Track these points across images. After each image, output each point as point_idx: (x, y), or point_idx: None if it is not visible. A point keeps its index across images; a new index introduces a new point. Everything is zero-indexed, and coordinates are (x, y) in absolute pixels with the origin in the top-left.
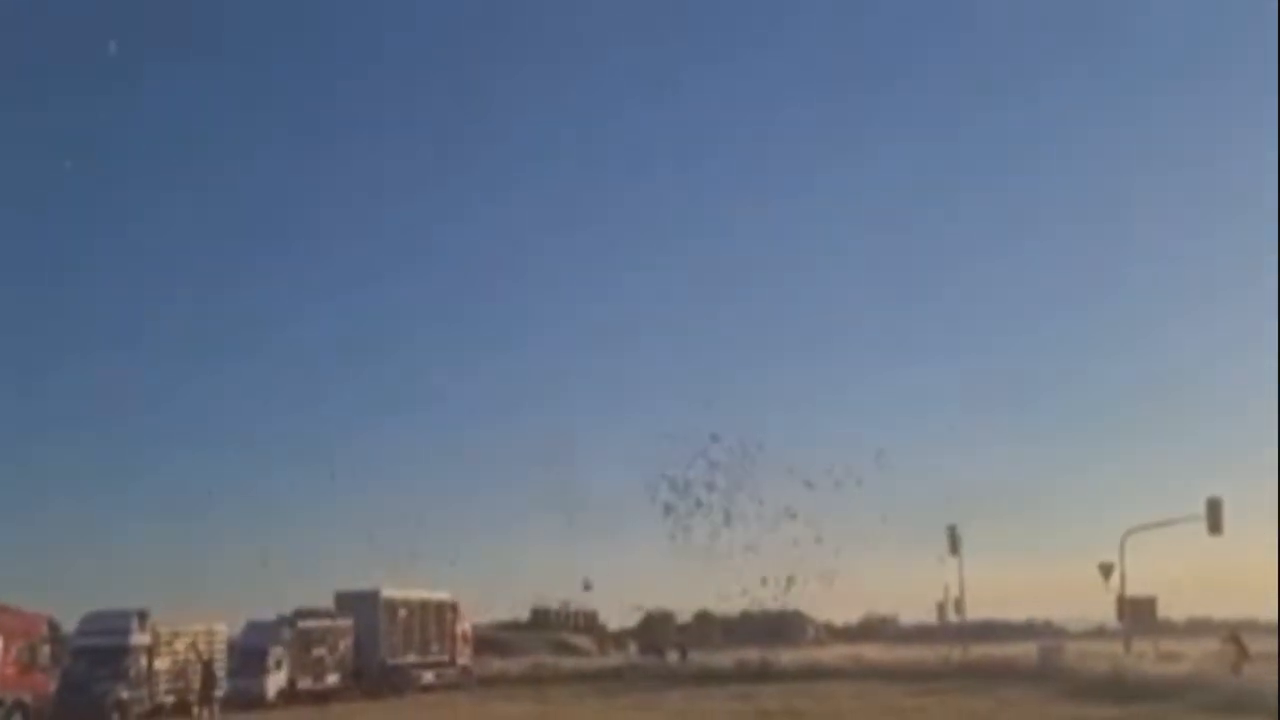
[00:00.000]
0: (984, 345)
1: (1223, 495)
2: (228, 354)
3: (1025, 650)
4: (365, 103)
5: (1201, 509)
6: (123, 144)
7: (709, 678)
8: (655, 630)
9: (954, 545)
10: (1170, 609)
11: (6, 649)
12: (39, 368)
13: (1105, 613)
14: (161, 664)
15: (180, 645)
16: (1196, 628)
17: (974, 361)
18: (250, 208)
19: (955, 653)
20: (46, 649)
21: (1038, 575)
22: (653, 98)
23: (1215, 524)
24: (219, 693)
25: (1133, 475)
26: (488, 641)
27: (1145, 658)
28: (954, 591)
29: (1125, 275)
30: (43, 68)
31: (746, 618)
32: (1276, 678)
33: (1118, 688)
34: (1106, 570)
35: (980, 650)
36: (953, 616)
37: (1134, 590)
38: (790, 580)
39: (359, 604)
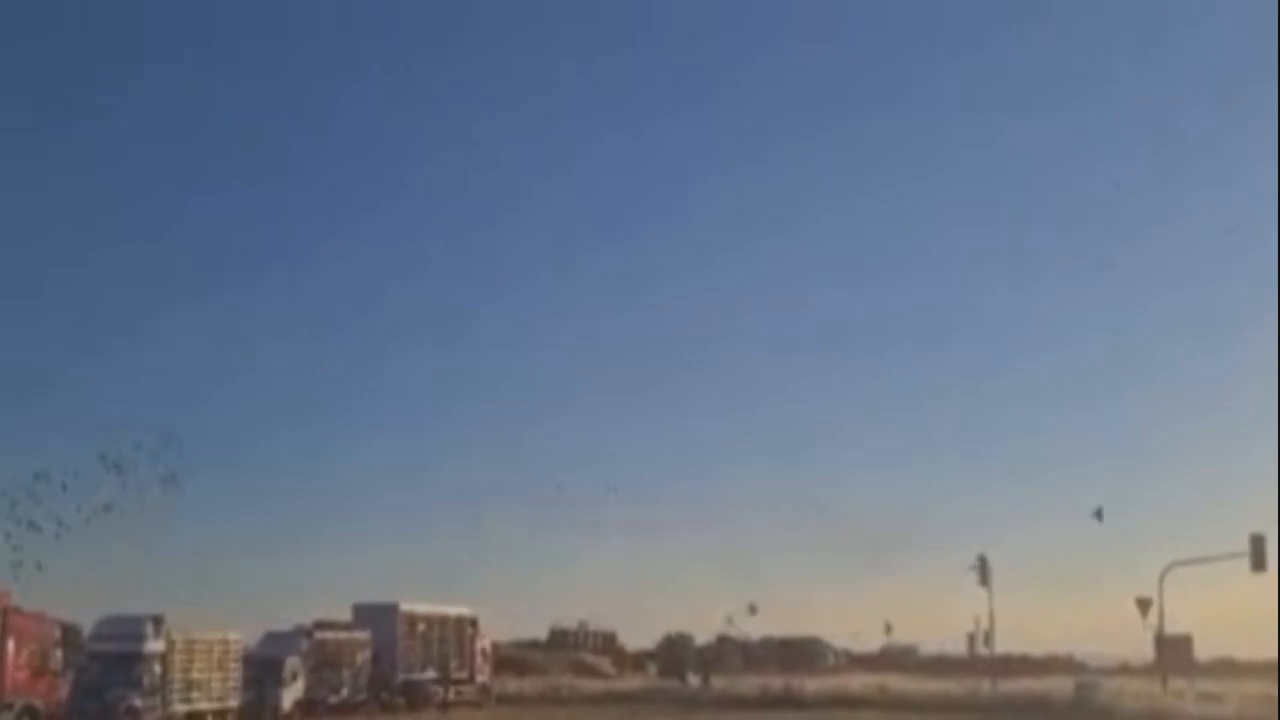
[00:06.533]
0: (1007, 373)
1: (1265, 531)
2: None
3: (1057, 685)
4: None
5: (1244, 545)
6: None
7: (733, 703)
8: (675, 652)
9: (984, 576)
10: (1199, 648)
11: (18, 652)
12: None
13: (1131, 650)
14: (175, 672)
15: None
16: (1220, 668)
17: (1001, 389)
18: None
19: (984, 685)
20: (59, 653)
21: (1063, 609)
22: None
23: (1259, 561)
24: (232, 703)
25: (1168, 509)
26: (506, 660)
27: (1184, 697)
28: (984, 623)
29: (1167, 296)
30: None
31: (766, 642)
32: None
33: None
34: (1144, 606)
35: (1009, 684)
36: (982, 648)
37: (1168, 628)
38: None
39: (377, 617)
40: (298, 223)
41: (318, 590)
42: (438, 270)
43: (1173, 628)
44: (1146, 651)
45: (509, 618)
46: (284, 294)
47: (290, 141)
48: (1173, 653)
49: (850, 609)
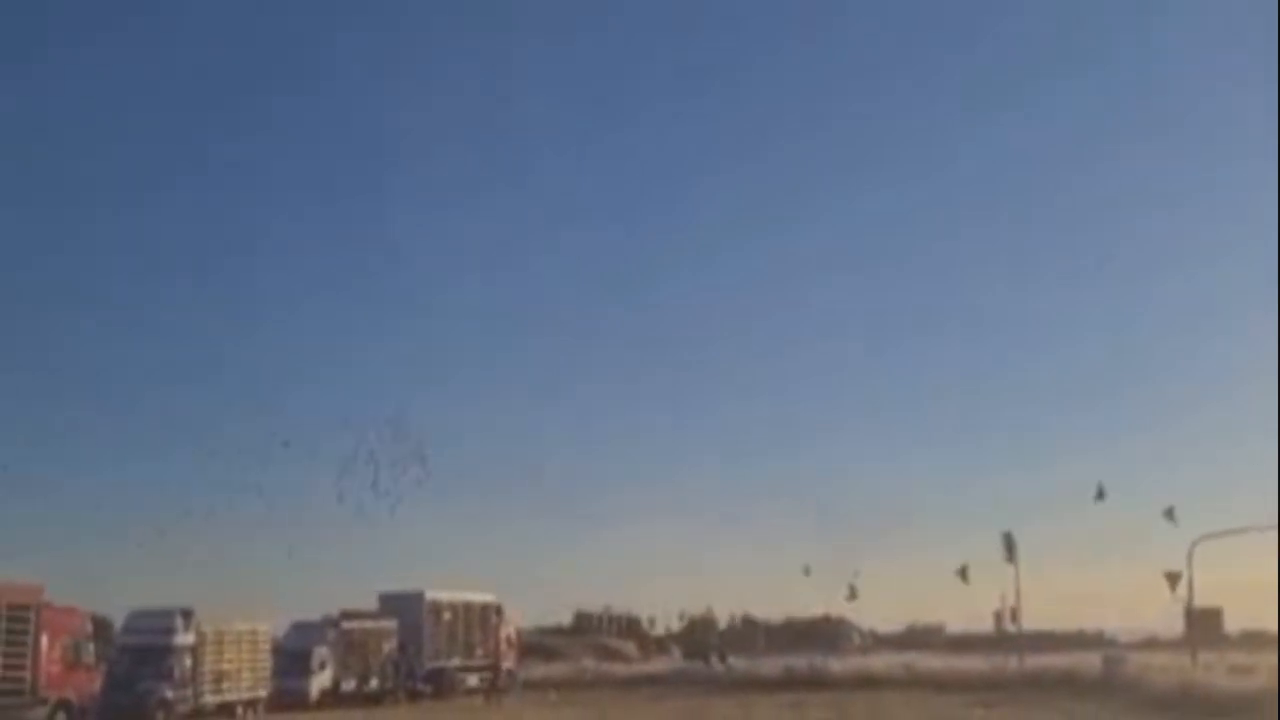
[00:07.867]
0: (1037, 348)
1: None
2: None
3: (1085, 661)
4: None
5: (1272, 517)
6: None
7: (758, 685)
8: (699, 635)
9: (1010, 552)
10: (1228, 620)
11: (51, 646)
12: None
13: (1161, 623)
14: (205, 663)
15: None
16: (1251, 640)
17: (1001, 388)
18: None
19: (1011, 662)
20: (91, 646)
21: (1090, 585)
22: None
23: None
24: (261, 694)
25: (1195, 481)
26: (530, 646)
27: (1214, 670)
28: (1010, 600)
29: (1167, 294)
30: None
31: (790, 623)
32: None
33: (1190, 702)
34: (1173, 579)
35: (1036, 660)
36: (1009, 626)
37: (1197, 600)
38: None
39: (403, 605)
40: (297, 214)
41: (333, 578)
42: (438, 269)
43: (1202, 601)
44: (1176, 625)
45: (530, 604)
46: (279, 281)
47: (289, 136)
48: (1202, 625)
49: (874, 592)
